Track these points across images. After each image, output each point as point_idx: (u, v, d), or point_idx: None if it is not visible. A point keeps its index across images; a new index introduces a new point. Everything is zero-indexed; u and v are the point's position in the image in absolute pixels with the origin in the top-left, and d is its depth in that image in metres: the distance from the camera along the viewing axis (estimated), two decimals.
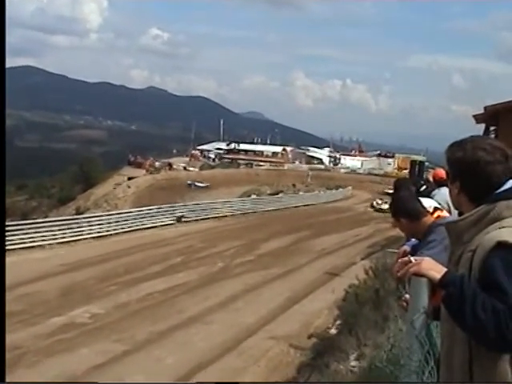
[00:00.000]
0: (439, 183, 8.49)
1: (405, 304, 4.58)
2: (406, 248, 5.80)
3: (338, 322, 18.66)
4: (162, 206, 43.49)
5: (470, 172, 2.92)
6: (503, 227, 2.77)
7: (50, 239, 30.87)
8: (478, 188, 2.92)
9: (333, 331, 18.04)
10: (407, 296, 4.49)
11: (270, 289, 24.70)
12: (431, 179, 10.06)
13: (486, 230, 2.80)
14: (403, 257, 3.41)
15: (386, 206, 53.57)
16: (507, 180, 2.90)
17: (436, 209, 5.64)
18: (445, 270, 2.80)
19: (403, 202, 5.61)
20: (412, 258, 2.95)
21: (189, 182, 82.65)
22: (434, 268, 2.82)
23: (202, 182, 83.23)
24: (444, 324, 2.99)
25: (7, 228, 30.35)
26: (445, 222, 3.15)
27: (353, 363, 10.71)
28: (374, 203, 61.09)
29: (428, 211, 5.49)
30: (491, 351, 2.67)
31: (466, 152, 2.95)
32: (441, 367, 3.00)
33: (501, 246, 2.68)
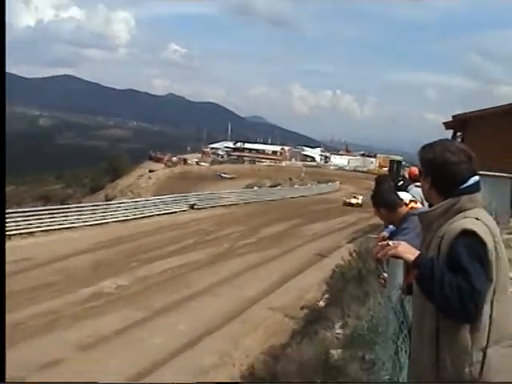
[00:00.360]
0: (414, 179, 8.60)
1: (383, 281, 4.57)
2: (385, 234, 5.84)
3: (326, 296, 18.65)
4: (178, 194, 43.49)
5: (438, 170, 2.97)
6: (466, 217, 2.84)
7: (83, 222, 30.94)
8: (445, 184, 2.96)
9: (321, 304, 18.02)
10: (385, 275, 4.48)
11: (268, 267, 24.69)
12: (407, 176, 10.04)
13: (452, 220, 2.86)
14: (382, 241, 3.40)
15: (354, 201, 55.18)
16: (470, 177, 2.94)
17: (411, 201, 5.67)
18: (418, 252, 2.84)
19: (382, 195, 5.63)
20: (390, 242, 2.96)
21: (218, 173, 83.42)
22: (408, 251, 2.85)
23: (228, 174, 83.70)
24: (416, 299, 3.02)
25: (48, 211, 30.47)
26: (417, 212, 3.15)
27: (338, 331, 10.68)
28: (344, 198, 59.10)
29: (404, 202, 5.51)
30: (455, 322, 2.74)
31: (435, 153, 3.00)
32: (412, 335, 3.04)
33: (464, 233, 2.75)
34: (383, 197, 5.60)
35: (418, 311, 3.00)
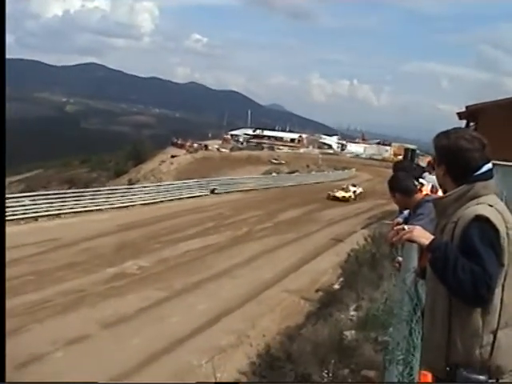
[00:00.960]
0: (433, 167, 8.56)
1: (397, 265, 4.58)
2: (399, 220, 5.83)
3: (341, 280, 18.66)
4: (199, 180, 43.52)
5: (453, 157, 2.97)
6: (480, 203, 2.85)
7: (107, 204, 31.06)
8: (459, 170, 2.96)
9: (336, 287, 18.04)
10: (399, 258, 4.48)
11: (285, 250, 24.71)
12: (421, 164, 10.02)
13: (466, 206, 2.87)
14: (397, 226, 3.40)
15: (341, 194, 47.31)
16: (483, 164, 2.94)
17: (433, 186, 5.69)
18: (432, 237, 2.85)
19: (399, 181, 5.64)
20: (405, 227, 2.97)
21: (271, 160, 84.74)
22: (423, 235, 2.86)
23: (278, 159, 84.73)
24: (429, 282, 3.03)
25: (74, 194, 30.68)
26: (432, 198, 3.14)
27: (352, 313, 10.72)
28: (330, 192, 48.22)
29: (419, 189, 5.52)
30: (467, 305, 2.75)
31: (450, 140, 3.00)
32: (425, 317, 3.05)
33: (478, 218, 2.77)
34: (400, 183, 5.61)
35: (431, 294, 3.02)
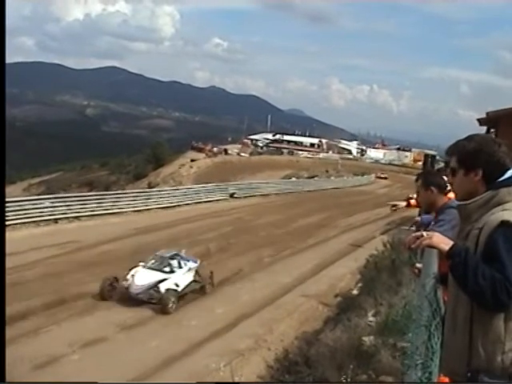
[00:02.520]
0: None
1: (416, 271, 4.58)
2: (418, 219, 5.88)
3: (359, 285, 18.60)
4: (218, 184, 43.62)
5: (490, 161, 2.94)
6: (505, 210, 2.83)
7: (126, 207, 31.22)
8: (494, 174, 2.94)
9: (354, 292, 17.99)
10: (418, 265, 4.48)
11: (304, 255, 24.72)
12: None
13: (491, 212, 2.85)
14: (416, 225, 3.40)
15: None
16: (507, 170, 2.92)
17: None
18: (452, 243, 2.83)
19: (437, 176, 5.69)
20: (424, 233, 2.95)
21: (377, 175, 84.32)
22: (443, 241, 2.85)
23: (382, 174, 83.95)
24: (451, 288, 3.01)
25: (93, 197, 30.91)
26: (456, 204, 3.14)
27: (370, 318, 10.69)
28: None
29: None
30: (488, 311, 2.74)
31: (482, 145, 2.98)
32: (446, 323, 3.04)
33: (503, 224, 2.75)
34: (437, 178, 5.66)
35: (452, 300, 3.00)
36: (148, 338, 13.82)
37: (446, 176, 5.91)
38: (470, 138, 3.05)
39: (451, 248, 2.79)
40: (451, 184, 3.14)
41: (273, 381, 9.86)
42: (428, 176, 5.88)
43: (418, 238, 2.94)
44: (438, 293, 3.41)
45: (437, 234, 2.94)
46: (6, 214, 21.67)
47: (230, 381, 9.81)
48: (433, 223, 5.38)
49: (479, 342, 2.80)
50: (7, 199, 25.38)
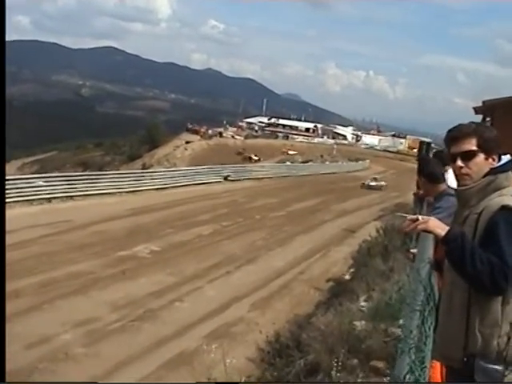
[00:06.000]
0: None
1: (411, 256, 4.59)
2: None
3: (352, 270, 18.65)
4: (213, 166, 43.54)
5: (498, 148, 3.01)
6: (503, 195, 2.88)
7: (120, 188, 31.12)
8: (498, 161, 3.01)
9: (347, 277, 18.03)
10: (413, 250, 4.48)
11: (297, 239, 24.72)
12: None
13: (490, 197, 2.90)
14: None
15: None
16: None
17: None
18: (447, 228, 2.84)
19: (428, 166, 5.67)
20: (420, 217, 2.94)
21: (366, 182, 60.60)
22: (439, 226, 2.86)
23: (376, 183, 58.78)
24: (447, 273, 3.01)
25: (87, 177, 30.84)
26: (455, 189, 3.13)
27: (362, 304, 10.71)
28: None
29: (443, 180, 5.50)
30: (487, 294, 2.76)
31: (493, 131, 3.06)
32: (441, 308, 3.06)
33: (504, 209, 2.79)
34: (427, 168, 5.64)
35: (448, 285, 3.01)
36: (140, 319, 13.82)
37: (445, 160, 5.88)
38: (483, 124, 3.08)
39: (447, 233, 2.80)
40: (460, 168, 3.04)
41: (272, 380, 9.86)
42: (421, 164, 5.87)
43: (413, 221, 2.94)
44: (432, 278, 3.40)
45: (433, 218, 2.94)
46: None
47: (230, 381, 9.81)
48: (430, 210, 5.38)
49: (476, 326, 2.82)
50: None
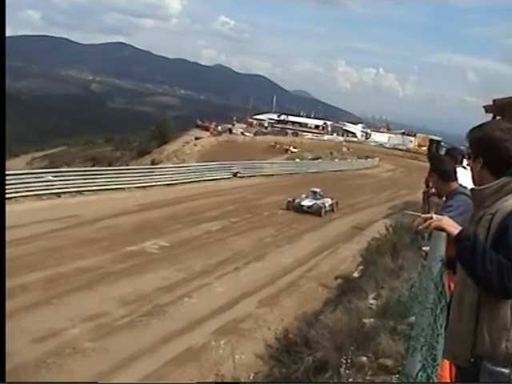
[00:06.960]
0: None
1: (424, 254, 4.54)
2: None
3: (361, 268, 18.60)
4: (222, 162, 43.52)
5: (490, 149, 2.92)
6: None
7: (129, 184, 31.13)
8: (498, 162, 2.92)
9: (355, 275, 17.99)
10: (425, 248, 4.44)
11: (306, 236, 24.73)
12: None
13: (505, 198, 2.85)
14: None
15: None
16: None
17: None
18: (460, 227, 2.84)
19: (441, 162, 5.62)
20: (434, 215, 2.93)
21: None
22: (452, 225, 2.85)
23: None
24: (459, 273, 3.00)
25: (97, 172, 30.88)
26: (469, 189, 3.11)
27: (371, 301, 10.65)
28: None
29: (455, 179, 5.45)
30: (496, 296, 2.73)
31: (486, 132, 2.96)
32: (452, 307, 3.03)
33: None
34: (440, 164, 5.58)
35: (459, 285, 3.00)
36: (148, 314, 13.83)
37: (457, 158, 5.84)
38: (479, 126, 3.05)
39: (460, 232, 2.80)
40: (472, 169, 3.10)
41: (276, 380, 9.84)
42: (433, 160, 5.81)
43: (426, 219, 2.93)
44: (443, 276, 3.38)
45: (446, 217, 2.94)
46: (8, 187, 21.66)
47: (230, 381, 9.80)
48: (441, 208, 5.34)
49: (485, 328, 2.80)
50: (10, 172, 25.39)
